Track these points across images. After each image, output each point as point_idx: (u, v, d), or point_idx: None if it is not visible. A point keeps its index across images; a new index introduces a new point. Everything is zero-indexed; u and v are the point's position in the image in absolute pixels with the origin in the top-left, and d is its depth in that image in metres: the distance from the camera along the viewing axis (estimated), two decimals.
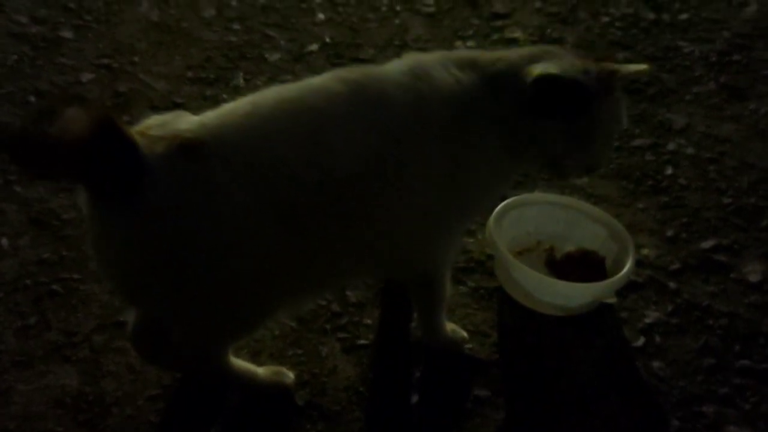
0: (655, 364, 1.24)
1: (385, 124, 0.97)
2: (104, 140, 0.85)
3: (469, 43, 1.94)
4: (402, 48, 1.93)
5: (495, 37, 1.97)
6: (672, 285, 1.36)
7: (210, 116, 0.95)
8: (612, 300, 1.32)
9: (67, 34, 1.95)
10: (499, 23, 2.02)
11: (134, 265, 0.92)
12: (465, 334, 1.24)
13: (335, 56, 1.90)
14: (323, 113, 0.96)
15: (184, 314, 1.01)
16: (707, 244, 1.44)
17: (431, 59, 1.05)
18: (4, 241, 1.41)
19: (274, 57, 1.90)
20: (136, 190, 0.87)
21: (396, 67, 1.04)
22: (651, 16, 2.05)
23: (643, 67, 1.11)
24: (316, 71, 1.88)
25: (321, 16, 2.05)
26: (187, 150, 0.89)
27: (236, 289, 0.96)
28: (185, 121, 0.94)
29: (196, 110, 0.99)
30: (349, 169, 0.95)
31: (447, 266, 1.15)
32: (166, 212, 0.88)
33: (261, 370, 1.16)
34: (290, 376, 1.17)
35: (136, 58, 1.87)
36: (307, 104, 0.96)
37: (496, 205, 1.32)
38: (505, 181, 1.14)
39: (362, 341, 1.26)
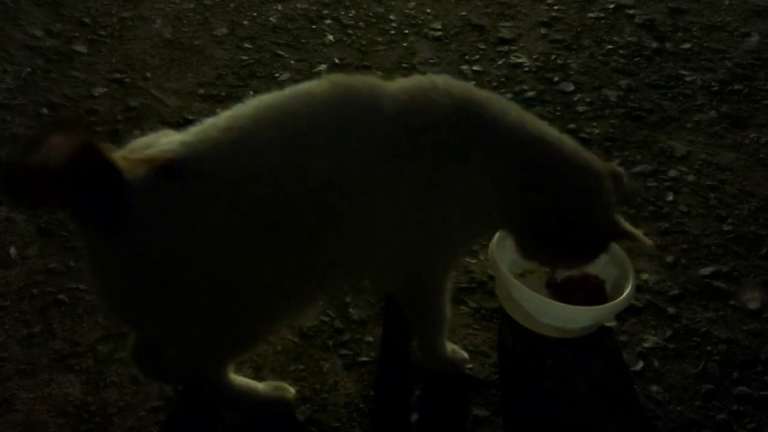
0: (653, 388, 1.24)
1: (368, 135, 0.96)
2: (86, 167, 0.84)
3: (476, 68, 1.98)
4: (410, 71, 1.96)
5: (500, 62, 2.01)
6: (671, 310, 1.38)
7: (191, 133, 0.95)
8: (611, 323, 1.33)
9: (81, 48, 1.99)
10: (505, 48, 2.05)
11: (122, 289, 0.93)
12: (465, 354, 1.25)
13: None
14: (307, 121, 0.94)
15: (174, 336, 1.01)
16: (707, 270, 1.46)
17: (463, 92, 1.03)
18: (12, 250, 1.43)
19: (283, 76, 1.93)
20: (119, 215, 0.86)
21: (404, 82, 1.04)
22: (654, 44, 2.08)
23: (648, 243, 1.15)
24: None
25: (330, 37, 2.09)
26: (166, 171, 0.88)
27: (225, 308, 0.96)
28: (166, 141, 0.93)
29: None
30: (330, 174, 0.94)
31: (440, 285, 1.13)
32: (148, 236, 0.88)
33: (262, 386, 1.17)
34: (291, 391, 1.18)
35: (148, 74, 1.91)
36: (287, 111, 0.95)
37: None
38: (491, 218, 1.12)
39: (364, 358, 1.27)
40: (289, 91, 0.99)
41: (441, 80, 1.04)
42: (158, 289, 0.92)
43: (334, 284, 1.13)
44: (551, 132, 1.09)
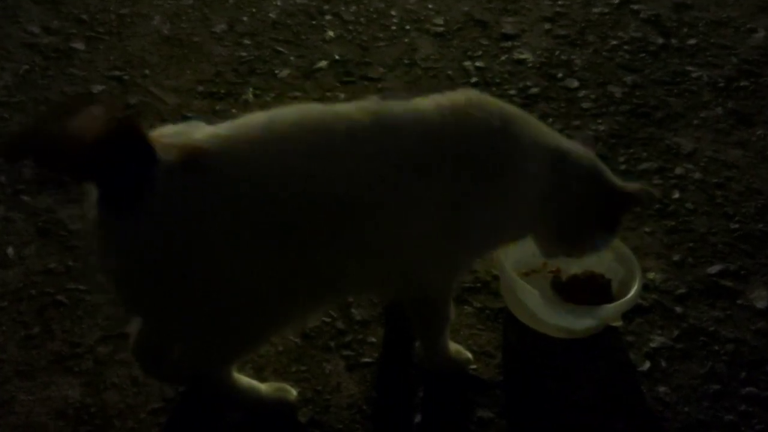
0: (661, 388, 1.23)
1: (397, 155, 0.97)
2: (122, 142, 0.84)
3: (478, 63, 1.96)
4: (411, 67, 1.94)
5: (504, 58, 1.99)
6: (678, 309, 1.36)
7: (224, 127, 0.95)
8: (618, 323, 1.32)
9: (79, 45, 1.97)
10: (508, 44, 2.04)
11: (132, 271, 0.92)
12: (469, 355, 1.24)
13: (344, 74, 1.91)
14: (341, 136, 0.96)
15: (179, 329, 1.00)
16: (714, 269, 1.44)
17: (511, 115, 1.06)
18: (10, 251, 1.41)
19: (283, 73, 1.91)
20: (144, 195, 0.86)
21: (440, 99, 1.05)
22: (659, 40, 2.06)
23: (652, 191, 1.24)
24: (325, 88, 1.90)
25: (331, 33, 2.07)
26: (197, 160, 0.89)
27: (233, 306, 0.95)
28: (199, 131, 0.94)
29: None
30: (358, 191, 0.95)
31: (449, 293, 1.15)
32: (167, 220, 0.88)
33: (264, 387, 1.16)
34: (293, 392, 1.17)
35: (147, 71, 1.89)
36: (327, 125, 0.96)
37: None
38: (516, 232, 1.16)
39: (366, 359, 1.25)
40: (330, 107, 1.01)
41: (476, 97, 1.05)
42: (168, 276, 0.91)
43: (345, 292, 1.14)
44: (576, 147, 1.13)
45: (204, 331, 1.00)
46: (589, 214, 1.14)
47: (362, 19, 2.13)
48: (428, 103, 1.04)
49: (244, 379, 1.14)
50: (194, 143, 0.90)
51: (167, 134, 0.93)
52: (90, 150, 0.83)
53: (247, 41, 2.02)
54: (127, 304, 1.03)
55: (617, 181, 1.16)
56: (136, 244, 0.89)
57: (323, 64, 1.95)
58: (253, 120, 0.96)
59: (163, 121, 1.72)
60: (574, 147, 1.14)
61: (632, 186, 1.17)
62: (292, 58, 1.97)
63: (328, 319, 1.31)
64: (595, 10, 2.19)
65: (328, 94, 1.84)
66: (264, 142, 0.93)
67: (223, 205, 0.90)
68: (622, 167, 1.66)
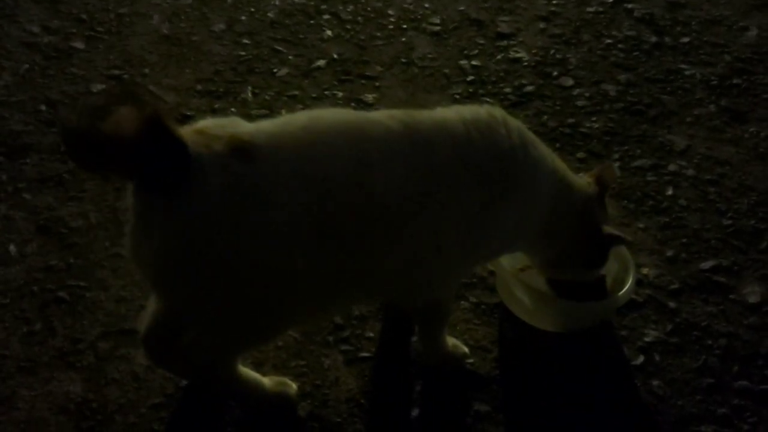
0: (654, 382, 1.25)
1: (426, 166, 1.01)
2: (153, 138, 0.87)
3: (474, 62, 1.98)
4: (408, 65, 1.96)
5: (499, 56, 2.00)
6: (671, 304, 1.38)
7: (266, 124, 0.98)
8: (612, 318, 1.33)
9: (79, 44, 1.98)
10: (504, 43, 2.05)
11: (171, 256, 0.93)
12: (466, 349, 1.26)
13: (342, 72, 1.93)
14: (377, 143, 0.99)
15: (207, 313, 1.01)
16: (707, 264, 1.46)
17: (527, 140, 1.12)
18: (12, 248, 1.42)
19: (282, 72, 1.92)
20: (183, 185, 0.89)
21: (464, 113, 1.09)
22: (653, 39, 2.08)
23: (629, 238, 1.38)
24: (323, 87, 1.91)
25: (329, 32, 2.08)
26: (243, 151, 0.91)
27: (263, 296, 0.97)
28: (242, 126, 0.97)
29: None
30: (388, 198, 0.99)
31: (452, 294, 1.21)
32: (211, 208, 0.90)
33: (266, 380, 1.17)
34: (294, 387, 1.18)
35: (146, 70, 1.90)
36: (364, 131, 1.00)
37: None
38: (520, 242, 1.21)
39: (364, 354, 1.27)
40: (365, 114, 1.05)
41: (499, 114, 1.10)
42: (206, 260, 0.93)
43: (364, 295, 1.17)
44: (578, 182, 1.21)
45: (227, 318, 1.01)
46: (576, 244, 1.21)
47: (360, 19, 2.14)
48: (452, 114, 1.08)
49: (249, 372, 1.15)
50: (242, 136, 0.93)
51: (211, 126, 0.95)
52: (122, 150, 0.86)
53: (245, 40, 2.03)
54: (156, 286, 1.03)
55: (605, 218, 1.24)
56: (178, 229, 0.91)
57: (321, 62, 1.96)
58: (294, 120, 0.99)
59: None
60: (577, 181, 1.21)
61: (613, 230, 1.24)
62: (290, 57, 1.98)
63: None
64: (590, 9, 2.21)
65: (327, 92, 1.86)
66: (307, 142, 0.96)
67: (269, 196, 0.92)
68: (617, 164, 1.67)
